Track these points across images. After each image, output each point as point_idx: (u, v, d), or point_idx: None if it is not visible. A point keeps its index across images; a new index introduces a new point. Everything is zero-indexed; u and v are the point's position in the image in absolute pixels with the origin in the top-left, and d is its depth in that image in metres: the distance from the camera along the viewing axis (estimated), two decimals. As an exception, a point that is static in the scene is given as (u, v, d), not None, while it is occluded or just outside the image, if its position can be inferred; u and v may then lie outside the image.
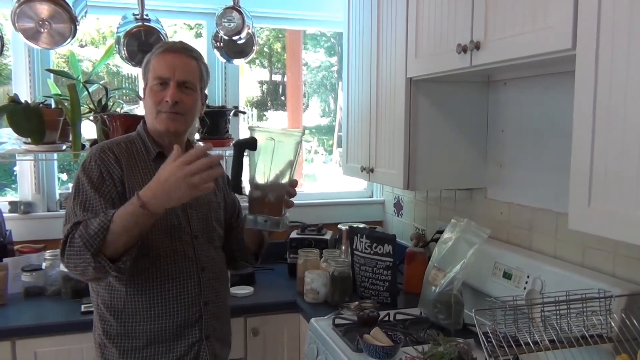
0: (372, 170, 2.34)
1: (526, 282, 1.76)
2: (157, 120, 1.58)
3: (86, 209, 1.48)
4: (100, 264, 1.38)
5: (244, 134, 3.03)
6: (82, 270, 1.42)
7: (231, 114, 2.69)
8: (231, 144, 1.49)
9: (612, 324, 1.38)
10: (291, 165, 1.52)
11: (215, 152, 2.68)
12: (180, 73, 1.57)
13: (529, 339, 1.30)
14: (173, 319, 1.58)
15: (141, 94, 1.66)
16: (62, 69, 2.76)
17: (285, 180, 1.53)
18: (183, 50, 1.62)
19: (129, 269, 1.45)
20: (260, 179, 1.52)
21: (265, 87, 3.65)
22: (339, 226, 2.70)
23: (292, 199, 1.57)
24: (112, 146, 1.60)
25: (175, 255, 1.59)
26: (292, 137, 1.51)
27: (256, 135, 1.48)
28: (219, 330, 1.71)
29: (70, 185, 1.74)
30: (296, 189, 1.59)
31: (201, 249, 1.65)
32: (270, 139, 1.48)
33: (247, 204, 1.53)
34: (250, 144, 1.48)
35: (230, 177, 1.58)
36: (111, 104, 2.48)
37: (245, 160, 1.50)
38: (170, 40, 1.60)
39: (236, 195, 1.86)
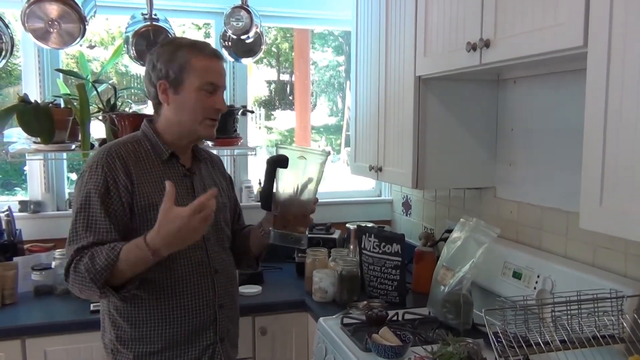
0: (380, 169, 2.34)
1: (536, 282, 1.75)
2: (202, 126, 1.56)
3: (90, 229, 1.45)
4: (105, 293, 1.41)
5: (252, 134, 3.04)
6: (87, 295, 1.47)
7: (239, 113, 2.69)
8: (265, 161, 1.51)
9: (624, 324, 1.36)
10: (316, 183, 1.57)
11: (223, 150, 2.69)
12: (224, 80, 1.60)
13: (539, 339, 1.29)
14: (189, 322, 1.57)
15: (162, 92, 1.54)
16: (71, 69, 2.77)
17: (309, 197, 1.57)
18: (221, 56, 1.63)
19: (132, 294, 1.48)
20: (286, 196, 1.57)
21: (273, 86, 3.65)
22: (347, 225, 2.70)
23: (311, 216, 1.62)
24: (119, 149, 1.54)
25: (189, 259, 1.58)
26: (318, 157, 1.57)
27: (287, 153, 1.54)
28: (232, 332, 1.72)
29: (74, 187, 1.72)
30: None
31: (213, 251, 1.64)
32: (301, 157, 1.55)
33: (268, 219, 1.62)
34: (283, 161, 1.53)
35: (262, 193, 1.60)
36: (120, 103, 2.49)
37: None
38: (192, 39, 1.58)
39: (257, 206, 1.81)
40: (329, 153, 1.62)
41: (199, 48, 1.55)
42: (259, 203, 1.63)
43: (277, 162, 1.53)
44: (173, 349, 1.57)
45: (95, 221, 1.46)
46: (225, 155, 2.78)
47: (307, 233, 1.61)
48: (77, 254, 1.43)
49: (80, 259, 1.41)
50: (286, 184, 1.56)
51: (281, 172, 1.54)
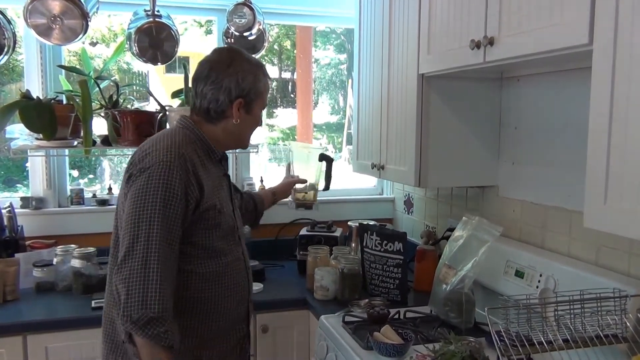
0: (382, 168, 2.33)
1: (539, 281, 1.74)
2: (249, 139, 1.74)
3: (170, 243, 1.42)
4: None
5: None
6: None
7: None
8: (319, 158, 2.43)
9: (627, 323, 1.36)
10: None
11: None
12: None
13: (542, 338, 1.29)
14: (229, 316, 1.61)
15: (236, 109, 1.60)
16: (73, 66, 2.76)
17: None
18: None
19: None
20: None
21: (275, 84, 3.64)
22: (349, 223, 2.70)
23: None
24: (186, 152, 1.50)
25: (233, 254, 1.63)
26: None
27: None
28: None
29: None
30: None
31: (243, 246, 1.71)
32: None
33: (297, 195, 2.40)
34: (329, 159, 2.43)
35: (326, 181, 2.44)
36: (122, 100, 2.49)
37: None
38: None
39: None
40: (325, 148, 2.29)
41: (264, 70, 1.68)
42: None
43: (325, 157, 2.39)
44: (211, 342, 1.58)
45: (174, 235, 1.44)
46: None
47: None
48: (160, 314, 1.36)
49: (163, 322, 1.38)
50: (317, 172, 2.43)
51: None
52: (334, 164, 2.44)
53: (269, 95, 1.73)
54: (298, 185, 2.37)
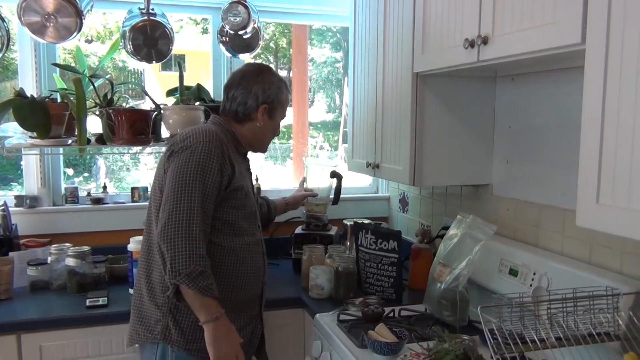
0: (377, 166, 2.33)
1: (532, 279, 1.75)
2: (268, 144, 1.98)
3: (205, 211, 1.63)
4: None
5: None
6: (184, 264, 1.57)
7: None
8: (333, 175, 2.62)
9: (620, 322, 1.37)
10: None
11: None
12: None
13: (535, 336, 1.29)
14: (243, 291, 1.79)
15: (261, 113, 1.84)
16: (68, 64, 2.76)
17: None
18: None
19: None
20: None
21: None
22: (344, 222, 2.70)
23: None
24: (222, 139, 1.73)
25: (253, 237, 1.84)
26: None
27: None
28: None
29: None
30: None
31: (260, 232, 1.92)
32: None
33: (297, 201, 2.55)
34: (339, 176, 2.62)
35: (335, 196, 2.63)
36: (117, 98, 2.48)
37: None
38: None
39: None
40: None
41: (287, 86, 1.94)
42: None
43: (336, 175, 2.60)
44: (228, 314, 1.67)
45: (208, 205, 1.64)
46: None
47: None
48: (199, 262, 1.56)
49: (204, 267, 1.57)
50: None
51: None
52: (343, 180, 2.64)
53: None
54: (310, 199, 2.59)
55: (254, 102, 1.83)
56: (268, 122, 1.88)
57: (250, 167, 1.98)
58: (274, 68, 1.96)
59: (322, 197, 2.62)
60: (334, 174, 2.60)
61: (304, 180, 2.67)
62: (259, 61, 3.45)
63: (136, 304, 1.79)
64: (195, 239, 1.56)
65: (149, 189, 2.38)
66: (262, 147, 1.97)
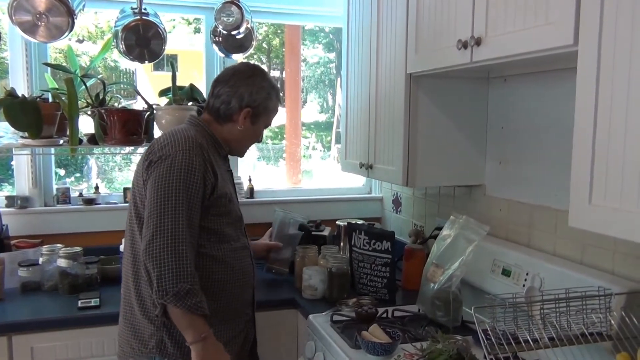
0: (371, 167, 2.33)
1: (525, 280, 1.76)
2: (247, 149, 1.91)
3: (191, 224, 1.56)
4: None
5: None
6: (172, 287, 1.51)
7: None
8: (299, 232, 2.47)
9: (612, 321, 1.38)
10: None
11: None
12: None
13: (528, 337, 1.30)
14: (234, 299, 1.73)
15: (243, 117, 1.76)
16: (59, 63, 2.74)
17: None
18: None
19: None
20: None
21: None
22: (337, 222, 2.70)
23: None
24: (202, 144, 1.65)
25: (239, 242, 1.78)
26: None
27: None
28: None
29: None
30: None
31: (246, 236, 1.86)
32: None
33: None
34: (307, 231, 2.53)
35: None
36: (109, 98, 2.46)
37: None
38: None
39: None
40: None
41: (278, 95, 1.86)
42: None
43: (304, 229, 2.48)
44: (217, 324, 1.65)
45: (194, 218, 1.58)
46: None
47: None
48: (187, 282, 1.50)
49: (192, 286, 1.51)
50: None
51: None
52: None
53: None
54: (273, 253, 2.42)
55: (237, 104, 1.74)
56: (249, 127, 1.79)
57: (230, 167, 1.91)
58: (267, 71, 1.89)
59: (285, 253, 2.42)
60: (302, 227, 2.46)
61: (271, 231, 2.47)
62: (252, 62, 3.45)
63: (127, 317, 1.71)
64: (182, 255, 1.50)
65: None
66: (239, 151, 1.89)
